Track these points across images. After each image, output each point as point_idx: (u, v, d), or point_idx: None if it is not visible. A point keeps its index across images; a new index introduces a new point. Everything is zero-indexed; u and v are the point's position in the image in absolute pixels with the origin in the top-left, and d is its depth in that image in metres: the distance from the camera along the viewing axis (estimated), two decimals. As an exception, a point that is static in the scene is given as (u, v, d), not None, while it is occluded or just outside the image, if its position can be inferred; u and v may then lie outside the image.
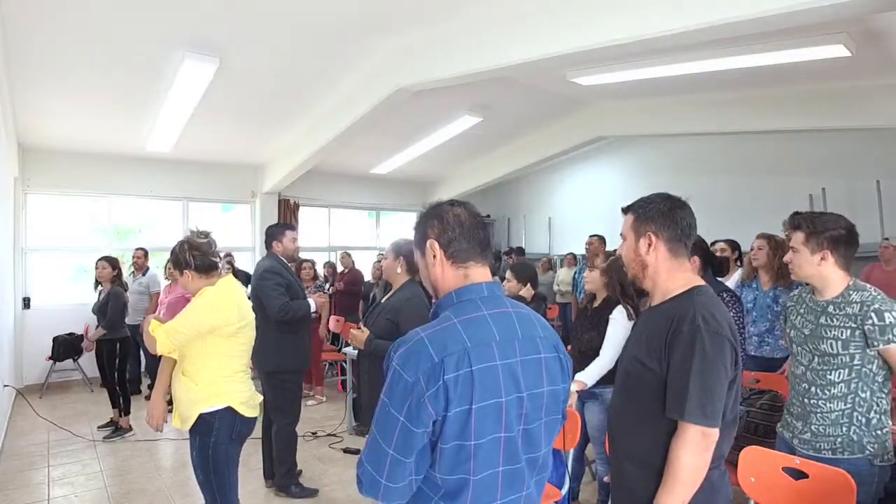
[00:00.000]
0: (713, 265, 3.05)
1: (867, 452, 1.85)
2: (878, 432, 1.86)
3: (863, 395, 1.87)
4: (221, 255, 2.54)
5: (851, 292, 1.91)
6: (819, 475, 1.85)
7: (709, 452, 1.36)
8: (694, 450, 1.35)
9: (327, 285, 6.89)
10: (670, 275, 1.51)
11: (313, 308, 3.64)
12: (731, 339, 1.39)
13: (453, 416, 1.06)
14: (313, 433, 4.76)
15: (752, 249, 3.65)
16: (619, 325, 2.82)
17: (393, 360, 1.10)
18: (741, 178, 7.21)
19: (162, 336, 2.22)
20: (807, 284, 2.12)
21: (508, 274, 3.47)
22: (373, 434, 1.10)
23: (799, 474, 1.91)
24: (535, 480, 1.21)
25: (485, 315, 1.16)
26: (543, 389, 1.19)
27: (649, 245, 1.52)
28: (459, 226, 1.23)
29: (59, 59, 4.30)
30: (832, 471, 1.82)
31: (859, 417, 1.87)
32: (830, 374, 1.91)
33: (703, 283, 1.52)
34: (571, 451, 2.67)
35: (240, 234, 8.29)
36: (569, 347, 3.43)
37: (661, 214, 1.51)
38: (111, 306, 4.73)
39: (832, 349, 1.89)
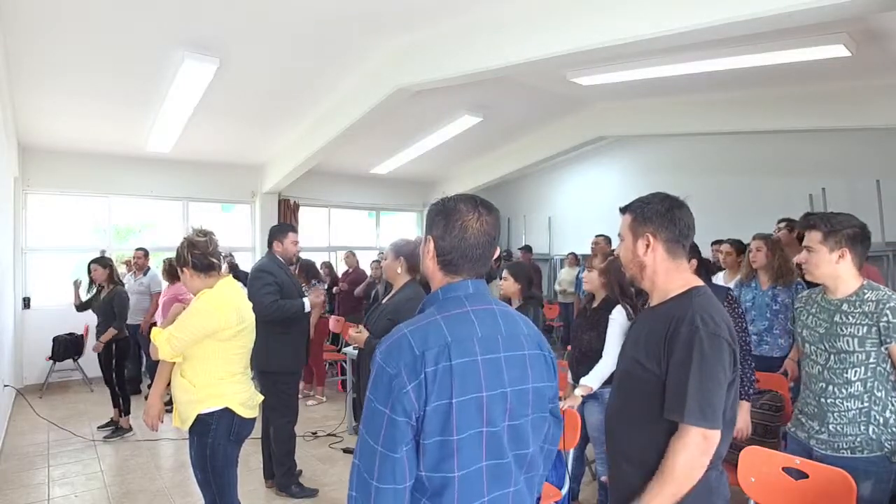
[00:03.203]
0: (707, 269, 3.06)
1: (885, 450, 1.86)
2: (895, 430, 1.86)
3: (878, 395, 1.88)
4: (223, 254, 2.54)
5: (866, 291, 1.92)
6: (819, 475, 1.86)
7: (708, 455, 1.35)
8: (693, 452, 1.34)
9: (324, 285, 6.90)
10: (668, 276, 1.51)
11: (307, 308, 3.59)
12: (730, 340, 1.39)
13: (433, 410, 1.06)
14: (313, 433, 4.77)
15: (749, 250, 3.66)
16: (618, 326, 2.82)
17: (377, 356, 1.11)
18: (741, 178, 7.21)
19: (163, 343, 2.23)
20: (810, 285, 2.12)
21: (505, 273, 3.47)
22: (361, 435, 1.10)
23: (799, 474, 1.92)
24: (524, 478, 1.20)
25: (468, 311, 1.16)
26: (528, 386, 1.19)
27: (647, 246, 1.51)
28: (461, 239, 1.19)
29: (60, 59, 4.30)
30: (832, 471, 1.82)
31: (877, 416, 1.87)
32: (847, 373, 1.91)
33: (701, 283, 1.52)
34: (571, 451, 2.68)
35: (240, 234, 8.28)
36: (569, 347, 3.44)
37: (659, 215, 1.50)
38: (117, 306, 4.76)
39: (849, 346, 1.90)
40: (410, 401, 1.06)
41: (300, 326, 3.66)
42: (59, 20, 3.73)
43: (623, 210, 1.60)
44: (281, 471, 3.60)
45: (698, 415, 1.33)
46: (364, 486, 1.06)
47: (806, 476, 1.89)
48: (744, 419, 2.61)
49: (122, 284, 5.03)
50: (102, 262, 4.89)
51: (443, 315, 1.14)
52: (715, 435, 1.35)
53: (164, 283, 5.77)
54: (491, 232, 1.22)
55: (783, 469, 1.96)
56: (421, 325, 1.13)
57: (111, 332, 4.76)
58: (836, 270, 1.95)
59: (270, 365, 3.47)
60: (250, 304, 2.50)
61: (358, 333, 2.91)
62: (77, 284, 5.12)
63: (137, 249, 6.08)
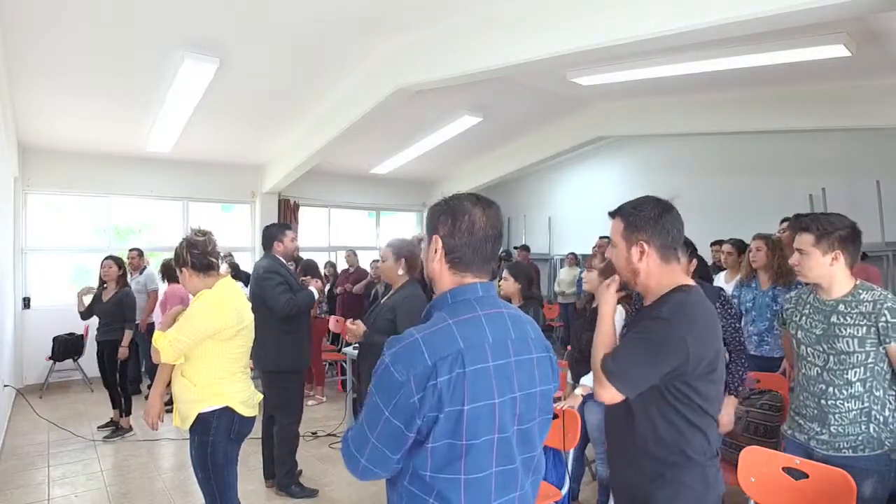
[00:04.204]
0: (706, 269, 3.07)
1: (886, 448, 1.87)
2: (893, 427, 1.88)
3: (877, 394, 1.89)
4: (222, 254, 2.54)
5: (861, 291, 1.92)
6: (819, 475, 1.86)
7: (597, 392, 1.50)
8: (599, 390, 1.48)
9: (327, 287, 6.89)
10: (661, 278, 1.52)
11: (316, 296, 3.71)
12: (687, 336, 1.39)
13: (445, 416, 1.06)
14: (313, 433, 4.76)
15: (750, 250, 3.65)
16: (618, 327, 2.82)
17: (386, 355, 1.10)
18: (741, 178, 7.21)
19: (165, 347, 2.23)
20: (807, 285, 2.12)
21: (505, 273, 3.47)
22: (361, 418, 1.13)
23: (799, 474, 1.92)
24: (530, 482, 1.21)
25: (479, 316, 1.15)
26: (536, 389, 1.19)
27: (641, 253, 1.52)
28: (470, 234, 1.18)
29: (60, 59, 4.30)
30: (832, 471, 1.83)
31: (877, 415, 1.88)
32: (847, 374, 1.91)
33: (687, 282, 1.53)
34: (571, 451, 2.67)
35: (240, 234, 8.29)
36: (569, 347, 3.44)
37: (651, 222, 1.51)
38: (127, 307, 4.78)
39: (849, 347, 1.90)
40: (415, 410, 1.06)
41: (306, 325, 3.74)
42: (60, 20, 3.73)
43: (612, 215, 1.60)
44: (282, 470, 3.60)
45: (613, 370, 1.44)
46: (353, 460, 1.14)
47: (806, 476, 1.89)
48: (727, 413, 2.59)
49: (129, 286, 5.03)
50: (118, 260, 4.89)
51: (454, 320, 1.13)
52: (609, 393, 1.45)
53: (163, 283, 5.79)
54: (497, 225, 1.22)
55: (783, 469, 1.96)
56: (433, 332, 1.11)
57: (129, 333, 4.78)
58: (831, 272, 1.95)
59: (278, 364, 3.52)
60: (249, 304, 2.50)
61: (354, 326, 2.92)
62: (82, 294, 4.89)
63: (132, 250, 6.10)
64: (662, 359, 1.40)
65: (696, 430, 1.43)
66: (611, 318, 1.60)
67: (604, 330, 1.58)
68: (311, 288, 3.70)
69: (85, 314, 4.89)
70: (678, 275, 1.54)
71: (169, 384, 2.48)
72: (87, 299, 4.86)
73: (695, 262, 2.69)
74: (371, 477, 1.14)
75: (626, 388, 1.44)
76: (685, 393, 1.41)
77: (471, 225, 1.18)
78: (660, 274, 1.52)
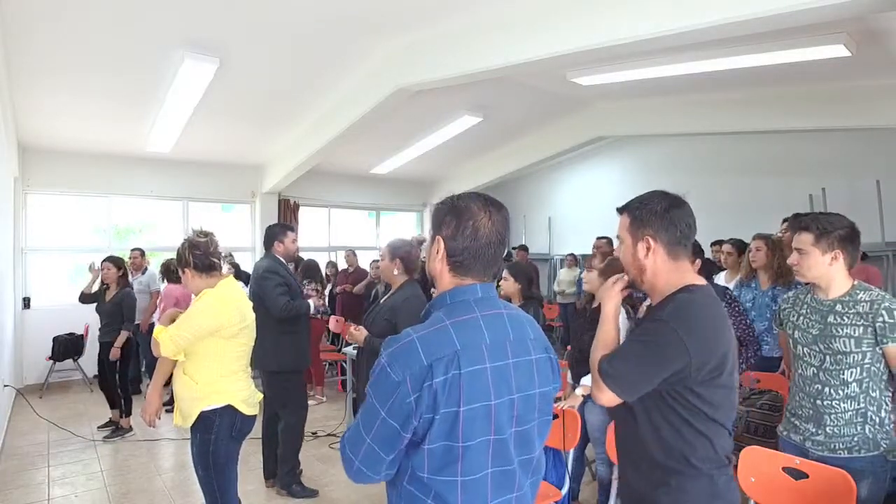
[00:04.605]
0: (708, 269, 3.07)
1: (882, 449, 1.87)
2: (888, 428, 1.88)
3: (874, 395, 1.89)
4: (223, 254, 2.55)
5: (859, 291, 1.92)
6: (819, 475, 1.86)
7: (598, 401, 1.46)
8: (597, 393, 1.44)
9: (328, 288, 6.88)
10: (669, 276, 1.47)
11: (312, 310, 3.72)
12: (687, 339, 1.34)
13: (441, 418, 1.05)
14: (313, 433, 4.76)
15: (749, 250, 3.66)
16: (622, 328, 2.82)
17: (383, 356, 1.10)
18: (741, 178, 7.22)
19: (166, 341, 2.24)
20: (806, 284, 2.12)
21: (505, 273, 3.47)
22: (357, 419, 1.13)
23: (799, 474, 1.92)
24: (529, 482, 1.20)
25: (477, 317, 1.14)
26: (535, 391, 1.18)
27: (648, 249, 1.47)
28: (473, 239, 1.17)
29: (60, 58, 4.30)
30: (832, 471, 1.82)
31: (873, 416, 1.88)
32: (844, 374, 1.91)
33: (696, 282, 1.48)
34: (571, 451, 2.67)
35: (240, 234, 8.29)
36: (569, 347, 3.44)
37: (658, 217, 1.46)
38: (126, 307, 4.76)
39: (846, 347, 1.89)
40: (411, 410, 1.05)
41: (305, 325, 3.76)
42: (59, 20, 3.73)
43: (620, 210, 1.56)
44: (285, 469, 3.61)
45: (609, 371, 1.41)
46: (348, 462, 1.14)
47: (806, 476, 1.89)
48: None
49: (131, 287, 5.01)
50: (116, 262, 4.85)
51: (452, 321, 1.12)
52: (604, 395, 1.42)
53: (161, 282, 5.79)
54: (502, 231, 1.20)
55: (783, 469, 1.96)
56: (430, 332, 1.10)
57: (124, 335, 4.74)
58: (830, 272, 1.94)
59: (277, 364, 3.53)
60: (251, 304, 2.51)
61: (357, 332, 2.92)
62: (94, 272, 4.88)
63: (133, 250, 6.10)
64: (661, 362, 1.36)
65: (702, 437, 1.38)
66: (613, 318, 1.55)
67: (606, 330, 1.53)
68: (311, 302, 3.73)
69: (86, 299, 4.87)
70: (687, 273, 1.49)
71: (168, 383, 2.49)
72: (96, 284, 4.87)
73: (698, 262, 2.69)
74: (364, 480, 1.13)
75: (623, 391, 1.40)
76: (688, 399, 1.37)
77: (475, 231, 1.17)
78: (668, 272, 1.47)
